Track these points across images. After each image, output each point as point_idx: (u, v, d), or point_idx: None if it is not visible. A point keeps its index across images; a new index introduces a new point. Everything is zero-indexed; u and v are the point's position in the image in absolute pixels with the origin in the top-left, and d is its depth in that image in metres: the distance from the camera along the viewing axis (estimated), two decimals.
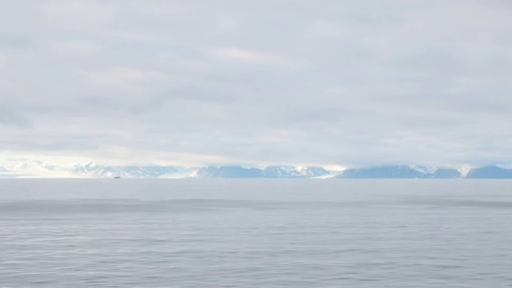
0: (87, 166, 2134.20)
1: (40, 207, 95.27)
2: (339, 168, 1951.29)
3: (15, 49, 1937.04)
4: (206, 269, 32.77)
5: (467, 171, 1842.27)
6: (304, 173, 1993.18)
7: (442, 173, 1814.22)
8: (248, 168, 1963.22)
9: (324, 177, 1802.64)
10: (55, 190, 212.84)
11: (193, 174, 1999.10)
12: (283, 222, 65.79)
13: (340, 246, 43.62)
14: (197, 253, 39.22)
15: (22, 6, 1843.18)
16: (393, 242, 45.97)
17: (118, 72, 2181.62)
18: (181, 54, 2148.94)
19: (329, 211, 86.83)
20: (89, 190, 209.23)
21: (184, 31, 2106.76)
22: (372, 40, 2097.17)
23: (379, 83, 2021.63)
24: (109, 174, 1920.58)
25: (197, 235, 50.93)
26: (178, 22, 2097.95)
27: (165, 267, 33.61)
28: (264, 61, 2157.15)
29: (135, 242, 45.57)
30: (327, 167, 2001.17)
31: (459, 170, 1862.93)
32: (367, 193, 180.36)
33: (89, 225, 60.46)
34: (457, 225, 62.19)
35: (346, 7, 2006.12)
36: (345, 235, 51.14)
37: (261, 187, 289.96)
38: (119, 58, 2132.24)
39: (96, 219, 69.19)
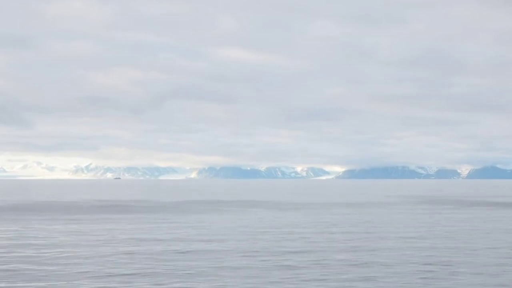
0: (87, 167, 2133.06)
1: (58, 208, 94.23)
2: (339, 169, 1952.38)
3: (15, 49, 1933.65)
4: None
5: (467, 172, 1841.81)
6: (304, 173, 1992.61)
7: (442, 173, 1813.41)
8: (248, 169, 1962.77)
9: (324, 177, 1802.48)
10: (62, 191, 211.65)
11: (193, 175, 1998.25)
12: (325, 221, 65.19)
13: (407, 243, 43.51)
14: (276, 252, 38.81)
15: (22, 6, 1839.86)
16: (455, 241, 45.34)
17: (118, 72, 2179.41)
18: (181, 54, 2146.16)
19: (355, 211, 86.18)
20: (96, 191, 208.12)
21: (184, 31, 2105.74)
22: (372, 40, 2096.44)
23: (379, 83, 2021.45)
24: (109, 175, 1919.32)
25: (247, 234, 50.31)
26: (178, 22, 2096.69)
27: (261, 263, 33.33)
28: (264, 61, 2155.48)
29: (194, 241, 44.77)
30: (327, 168, 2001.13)
31: (459, 171, 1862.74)
32: (379, 194, 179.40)
33: (124, 225, 59.56)
34: (496, 225, 61.52)
35: (346, 7, 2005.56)
36: (397, 234, 50.56)
37: (266, 187, 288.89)
38: (119, 58, 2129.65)
39: (125, 219, 68.07)
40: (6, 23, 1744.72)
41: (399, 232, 53.58)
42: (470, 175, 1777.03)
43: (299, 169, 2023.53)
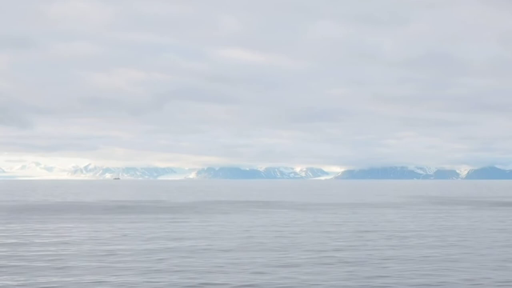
0: (85, 167, 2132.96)
1: (74, 208, 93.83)
2: (338, 169, 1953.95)
3: (17, 49, 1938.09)
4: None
5: (466, 172, 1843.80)
6: (303, 174, 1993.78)
7: (441, 174, 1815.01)
8: (247, 169, 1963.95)
9: (323, 178, 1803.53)
10: (67, 191, 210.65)
11: (192, 175, 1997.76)
12: (363, 223, 64.92)
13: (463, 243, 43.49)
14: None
15: (23, 7, 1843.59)
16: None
17: (120, 73, 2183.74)
18: (183, 54, 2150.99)
19: (382, 212, 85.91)
20: (103, 192, 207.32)
21: (186, 32, 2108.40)
22: (374, 40, 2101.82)
23: (381, 84, 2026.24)
24: (107, 176, 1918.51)
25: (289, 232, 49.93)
26: (180, 22, 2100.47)
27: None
28: (266, 62, 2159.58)
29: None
30: (326, 168, 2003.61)
31: (458, 171, 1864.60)
32: (389, 195, 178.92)
33: (154, 223, 58.85)
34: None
35: (348, 8, 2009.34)
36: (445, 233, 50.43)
37: (268, 188, 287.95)
38: (120, 58, 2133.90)
39: (152, 219, 67.34)
40: (7, 23, 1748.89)
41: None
42: (469, 176, 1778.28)
43: (298, 169, 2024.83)
